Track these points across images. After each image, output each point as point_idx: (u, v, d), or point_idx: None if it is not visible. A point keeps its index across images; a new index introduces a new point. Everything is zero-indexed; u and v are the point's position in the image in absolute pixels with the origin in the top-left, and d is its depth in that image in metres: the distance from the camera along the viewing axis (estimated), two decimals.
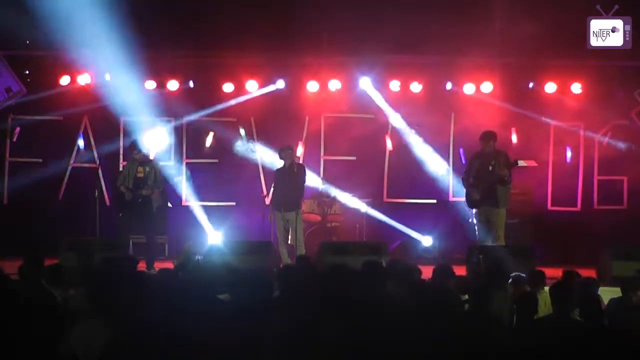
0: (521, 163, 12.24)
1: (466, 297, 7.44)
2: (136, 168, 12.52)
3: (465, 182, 12.48)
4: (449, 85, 14.59)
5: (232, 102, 14.83)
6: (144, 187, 12.40)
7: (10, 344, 5.96)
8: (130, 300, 6.53)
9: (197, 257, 10.08)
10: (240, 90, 14.74)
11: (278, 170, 12.86)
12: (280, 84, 14.77)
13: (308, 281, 6.48)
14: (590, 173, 14.99)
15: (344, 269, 7.64)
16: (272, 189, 13.07)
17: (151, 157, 13.18)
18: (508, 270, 9.02)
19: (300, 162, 14.13)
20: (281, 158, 12.64)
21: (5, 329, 6.11)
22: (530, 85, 14.60)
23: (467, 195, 12.44)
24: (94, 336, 5.88)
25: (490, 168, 12.12)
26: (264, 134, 14.98)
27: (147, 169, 12.50)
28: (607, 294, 8.54)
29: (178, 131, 15.15)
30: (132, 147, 12.74)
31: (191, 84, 14.66)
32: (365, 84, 14.74)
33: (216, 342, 5.95)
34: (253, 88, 14.71)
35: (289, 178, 12.53)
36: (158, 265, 11.56)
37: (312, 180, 14.11)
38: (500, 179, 12.02)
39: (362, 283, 7.44)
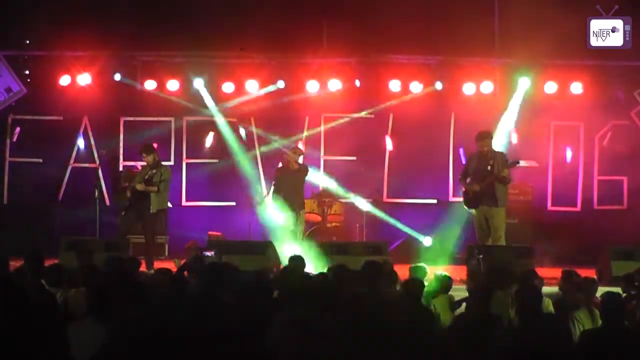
0: (522, 163, 12.23)
1: None
2: (147, 172, 12.51)
3: (463, 182, 12.46)
4: (439, 85, 14.53)
5: (232, 102, 14.85)
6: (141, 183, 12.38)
7: (10, 343, 5.96)
8: (128, 301, 6.53)
9: (205, 255, 10.08)
10: (240, 90, 14.73)
11: (279, 170, 12.87)
12: (280, 84, 14.74)
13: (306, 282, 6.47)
14: (590, 173, 14.99)
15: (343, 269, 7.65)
16: (272, 188, 13.08)
17: (158, 160, 13.15)
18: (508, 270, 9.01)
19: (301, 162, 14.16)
20: (293, 159, 12.68)
21: (5, 329, 6.10)
22: (530, 85, 14.56)
23: (465, 194, 12.42)
24: (92, 336, 5.88)
25: (489, 168, 12.10)
26: (264, 134, 14.98)
27: (154, 171, 12.48)
28: None
29: (178, 131, 15.15)
30: (142, 150, 12.70)
31: (201, 82, 14.56)
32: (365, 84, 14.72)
33: (215, 342, 5.94)
34: (253, 88, 14.69)
35: (293, 179, 12.60)
36: (157, 266, 11.55)
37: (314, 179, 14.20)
38: (500, 179, 12.00)
39: (362, 283, 7.46)
